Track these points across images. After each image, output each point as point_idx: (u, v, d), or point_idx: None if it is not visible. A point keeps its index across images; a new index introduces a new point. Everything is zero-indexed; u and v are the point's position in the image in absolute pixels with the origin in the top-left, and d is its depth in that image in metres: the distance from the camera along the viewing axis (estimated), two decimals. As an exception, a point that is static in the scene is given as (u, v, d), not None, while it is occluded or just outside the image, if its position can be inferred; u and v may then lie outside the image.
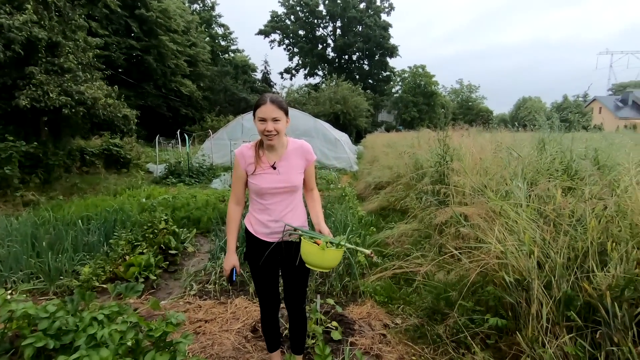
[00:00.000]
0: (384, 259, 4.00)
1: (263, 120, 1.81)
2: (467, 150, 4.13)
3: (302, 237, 1.77)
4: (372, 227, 5.00)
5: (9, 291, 3.40)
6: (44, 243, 3.62)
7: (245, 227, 2.06)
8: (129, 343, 1.81)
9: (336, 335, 2.62)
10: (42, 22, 7.36)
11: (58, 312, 1.97)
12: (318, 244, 1.68)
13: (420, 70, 42.25)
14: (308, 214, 2.07)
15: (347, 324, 2.84)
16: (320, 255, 1.68)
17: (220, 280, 3.55)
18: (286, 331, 2.65)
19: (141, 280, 3.70)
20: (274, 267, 2.05)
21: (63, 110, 7.13)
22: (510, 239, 2.31)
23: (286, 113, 1.85)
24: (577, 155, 3.58)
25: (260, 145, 1.95)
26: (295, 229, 1.87)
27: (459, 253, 2.68)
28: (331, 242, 1.72)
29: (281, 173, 1.91)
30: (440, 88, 47.50)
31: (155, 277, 3.74)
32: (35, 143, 7.06)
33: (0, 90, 7.15)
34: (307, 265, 1.75)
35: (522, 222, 2.39)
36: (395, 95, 45.05)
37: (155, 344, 1.91)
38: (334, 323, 2.76)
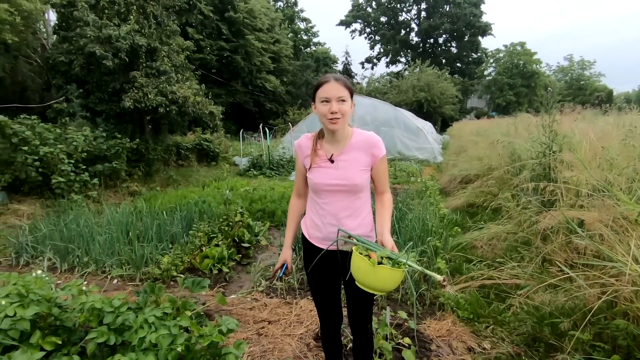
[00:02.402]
0: (470, 265, 3.46)
1: (326, 100, 1.52)
2: (582, 138, 3.31)
3: (355, 248, 1.47)
4: (456, 227, 4.42)
5: (105, 274, 3.79)
6: (129, 233, 3.93)
7: (302, 231, 1.84)
8: (179, 349, 1.73)
9: (408, 355, 2.26)
10: (143, 31, 8.18)
11: (122, 307, 2.01)
12: (373, 257, 1.36)
13: (518, 48, 37.55)
14: None
15: (423, 342, 2.46)
16: (370, 272, 1.35)
17: (285, 280, 3.43)
18: (351, 344, 2.39)
19: (215, 272, 3.80)
20: (333, 279, 1.78)
21: (159, 109, 7.86)
22: (655, 258, 1.68)
23: (351, 94, 1.56)
24: None
25: (319, 136, 1.69)
26: (350, 237, 1.57)
27: (572, 270, 2.09)
28: (389, 258, 1.38)
29: (340, 168, 1.62)
30: (544, 67, 41.66)
31: (228, 270, 3.81)
32: (138, 140, 7.92)
33: (112, 94, 8.17)
34: (357, 283, 1.45)
35: (673, 236, 1.73)
36: (487, 78, 40.85)
37: (206, 351, 1.82)
38: (407, 340, 2.40)
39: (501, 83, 37.38)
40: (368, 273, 1.37)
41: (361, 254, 1.46)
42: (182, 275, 3.65)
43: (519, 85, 36.95)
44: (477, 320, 2.67)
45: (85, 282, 3.37)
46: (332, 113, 1.52)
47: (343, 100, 1.52)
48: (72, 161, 6.18)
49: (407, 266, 1.36)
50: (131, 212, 4.82)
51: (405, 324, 2.62)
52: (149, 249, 3.81)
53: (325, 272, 1.75)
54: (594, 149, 3.09)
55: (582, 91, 43.30)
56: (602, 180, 2.37)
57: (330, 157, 1.64)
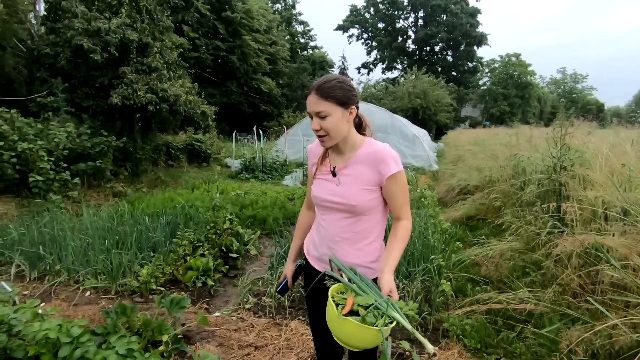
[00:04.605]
0: (475, 286, 3.22)
1: (310, 116, 1.30)
2: (597, 153, 3.11)
3: (340, 283, 1.22)
4: (457, 242, 4.19)
5: (78, 285, 3.46)
6: (105, 241, 3.61)
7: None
8: (145, 394, 1.45)
9: (412, 393, 2.01)
10: (135, 25, 7.86)
11: (82, 336, 1.72)
12: (346, 305, 1.11)
13: (513, 59, 37.91)
14: None
15: (427, 377, 2.21)
16: (336, 323, 1.09)
17: (275, 297, 3.15)
18: (347, 377, 2.12)
19: (199, 285, 3.50)
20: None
21: (149, 107, 7.54)
22: None
23: (341, 103, 1.27)
24: None
25: None
26: (339, 268, 1.31)
27: (592, 301, 1.85)
28: (376, 309, 1.10)
29: (341, 183, 1.37)
30: (537, 79, 42.22)
31: (213, 283, 3.52)
32: (125, 138, 7.58)
33: (99, 90, 7.83)
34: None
35: None
36: (482, 87, 41.15)
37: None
38: (409, 374, 2.15)
39: (495, 93, 37.68)
40: (334, 323, 1.11)
41: (342, 293, 1.21)
42: (162, 289, 3.35)
43: (513, 96, 37.29)
44: (485, 351, 2.43)
45: (41, 303, 3.01)
46: (315, 131, 1.31)
47: (323, 116, 1.27)
48: (53, 159, 5.82)
49: (384, 323, 1.07)
50: (112, 215, 4.50)
51: (407, 353, 2.37)
52: (127, 258, 3.50)
53: (321, 297, 1.49)
54: (610, 166, 2.88)
55: (574, 104, 43.85)
56: (628, 202, 2.15)
57: (333, 170, 1.40)
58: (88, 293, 3.26)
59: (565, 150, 3.24)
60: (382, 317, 1.10)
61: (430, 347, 1.09)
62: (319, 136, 1.32)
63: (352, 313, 1.13)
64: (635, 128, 5.76)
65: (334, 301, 1.14)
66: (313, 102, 1.27)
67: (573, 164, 3.20)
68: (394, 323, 1.10)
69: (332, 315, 1.11)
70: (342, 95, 1.28)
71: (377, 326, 1.06)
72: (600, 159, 3.04)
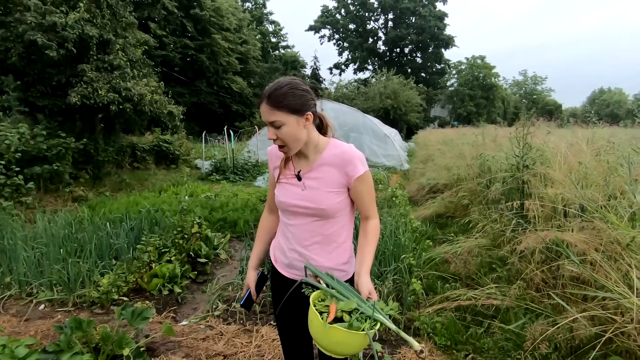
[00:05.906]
0: (444, 284, 3.28)
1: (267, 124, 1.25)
2: (556, 152, 3.25)
3: (319, 290, 1.19)
4: (427, 240, 4.26)
5: (32, 297, 3.21)
6: (61, 249, 3.39)
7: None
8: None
9: (384, 395, 2.00)
10: (95, 20, 7.47)
11: (29, 357, 1.58)
12: (330, 312, 1.08)
13: (479, 61, 39.38)
14: None
15: (398, 377, 2.21)
16: (322, 332, 1.06)
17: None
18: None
19: (165, 292, 3.35)
20: (303, 315, 1.48)
21: (111, 107, 7.19)
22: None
23: (295, 111, 1.21)
24: None
25: None
26: (315, 275, 1.28)
27: (554, 294, 1.92)
28: (360, 312, 1.09)
29: (307, 188, 1.33)
30: (501, 80, 44.10)
31: (180, 290, 3.38)
32: (86, 140, 7.18)
33: (56, 88, 7.38)
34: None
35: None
36: (450, 88, 42.49)
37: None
38: (381, 375, 2.14)
39: (462, 94, 38.99)
40: (320, 332, 1.07)
41: (323, 300, 1.18)
42: (125, 298, 3.18)
43: (479, 97, 38.72)
44: (455, 348, 2.46)
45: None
46: (273, 140, 1.26)
47: (278, 126, 1.21)
48: (3, 162, 5.41)
49: (371, 327, 1.07)
50: (69, 222, 4.23)
51: (379, 353, 2.36)
52: (86, 267, 3.29)
53: (293, 306, 1.45)
54: (569, 164, 3.01)
55: (534, 104, 46.13)
56: (585, 199, 2.25)
57: (298, 174, 1.35)
58: (42, 306, 3.03)
59: (527, 149, 3.36)
60: (366, 320, 1.09)
61: (416, 345, 1.08)
62: (278, 146, 1.27)
63: (336, 319, 1.10)
64: (590, 127, 6.09)
65: (316, 310, 1.10)
66: (265, 112, 1.21)
67: (535, 163, 3.33)
68: (379, 325, 1.09)
69: (317, 324, 1.07)
70: (295, 102, 1.21)
71: (363, 330, 1.05)
72: (559, 157, 3.17)
